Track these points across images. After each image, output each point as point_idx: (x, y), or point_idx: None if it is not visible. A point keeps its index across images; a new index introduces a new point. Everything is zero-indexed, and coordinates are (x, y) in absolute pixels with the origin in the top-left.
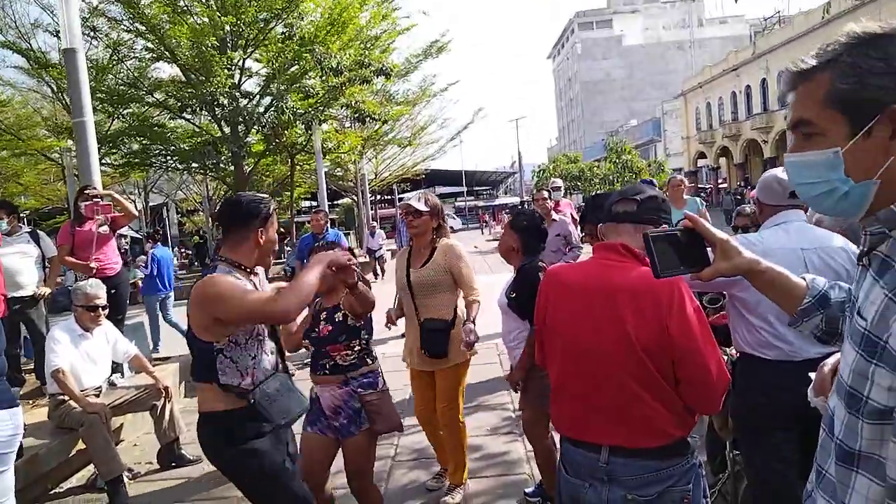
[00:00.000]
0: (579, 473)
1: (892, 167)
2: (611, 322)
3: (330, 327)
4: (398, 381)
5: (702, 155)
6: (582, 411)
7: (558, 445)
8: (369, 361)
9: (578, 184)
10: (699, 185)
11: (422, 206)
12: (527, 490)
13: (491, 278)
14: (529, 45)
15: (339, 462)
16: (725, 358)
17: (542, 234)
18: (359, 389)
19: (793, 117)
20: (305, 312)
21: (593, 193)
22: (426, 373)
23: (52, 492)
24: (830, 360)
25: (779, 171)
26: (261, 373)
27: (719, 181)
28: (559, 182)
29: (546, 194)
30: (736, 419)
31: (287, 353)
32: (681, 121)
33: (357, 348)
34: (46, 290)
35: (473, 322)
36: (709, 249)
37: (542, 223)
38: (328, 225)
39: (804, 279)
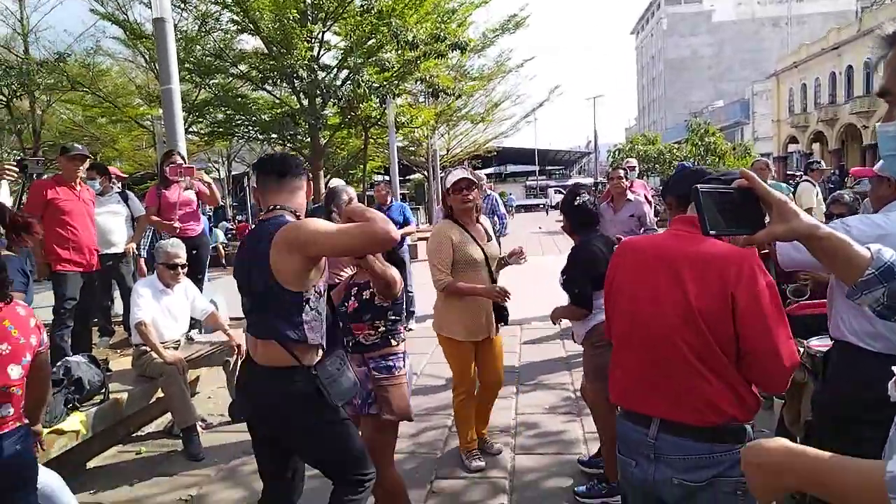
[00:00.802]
0: (628, 449)
1: None
2: (671, 290)
3: (356, 304)
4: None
5: (793, 139)
6: (636, 381)
7: None
8: (393, 343)
9: (657, 166)
10: (787, 172)
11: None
12: (581, 459)
13: (561, 258)
14: (612, 19)
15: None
16: (801, 350)
17: (583, 211)
18: (374, 372)
19: (880, 86)
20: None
21: (682, 164)
22: (471, 348)
23: (133, 434)
24: None
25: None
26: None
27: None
28: (634, 162)
29: (622, 173)
30: (828, 409)
31: None
32: (772, 102)
33: (381, 329)
34: (133, 246)
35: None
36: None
37: (575, 199)
38: (392, 198)
39: (869, 249)
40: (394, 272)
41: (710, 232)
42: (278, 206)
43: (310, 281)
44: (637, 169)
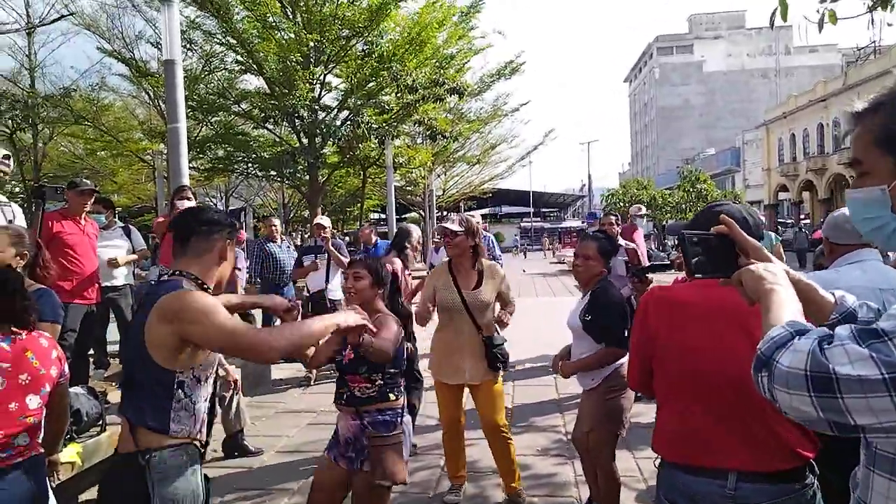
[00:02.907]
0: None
1: None
2: (741, 341)
3: (352, 355)
4: None
5: (783, 188)
6: (707, 436)
7: (657, 473)
8: (392, 397)
9: (649, 211)
10: (778, 220)
11: (457, 227)
12: None
13: (555, 300)
14: (606, 67)
15: None
16: None
17: (613, 254)
18: (369, 427)
19: (851, 157)
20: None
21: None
22: (456, 388)
23: None
24: None
25: (848, 211)
26: (199, 422)
27: (802, 216)
28: (644, 209)
29: (613, 219)
30: None
31: None
32: (762, 151)
33: (379, 382)
34: (126, 258)
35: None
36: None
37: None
38: (377, 237)
39: (833, 295)
40: (393, 328)
41: (696, 275)
42: (179, 272)
43: (184, 362)
44: (644, 216)
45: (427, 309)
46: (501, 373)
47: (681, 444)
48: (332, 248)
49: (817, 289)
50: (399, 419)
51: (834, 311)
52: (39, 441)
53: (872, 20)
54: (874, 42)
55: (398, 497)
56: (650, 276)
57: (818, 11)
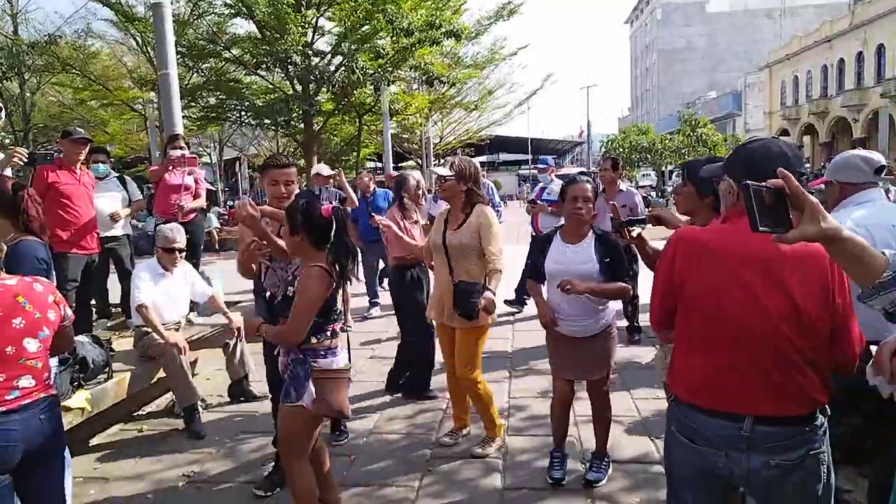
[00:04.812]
0: (712, 443)
1: None
2: (770, 291)
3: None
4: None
5: (784, 132)
6: (726, 382)
7: (675, 413)
8: (313, 340)
9: (648, 156)
10: None
11: (446, 172)
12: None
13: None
14: (606, 8)
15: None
16: None
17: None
18: (314, 361)
19: None
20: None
21: (697, 158)
22: (450, 330)
23: (135, 413)
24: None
25: (860, 152)
26: None
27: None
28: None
29: (609, 164)
30: None
31: None
32: (764, 94)
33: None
34: (125, 211)
35: (493, 292)
36: None
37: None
38: (375, 185)
39: (884, 254)
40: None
41: (760, 228)
42: None
43: None
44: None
45: (429, 255)
46: (486, 322)
47: (699, 388)
48: (344, 184)
49: (866, 247)
50: (318, 358)
51: (887, 268)
52: (49, 383)
53: None
54: None
55: (403, 438)
56: (633, 230)
57: None
